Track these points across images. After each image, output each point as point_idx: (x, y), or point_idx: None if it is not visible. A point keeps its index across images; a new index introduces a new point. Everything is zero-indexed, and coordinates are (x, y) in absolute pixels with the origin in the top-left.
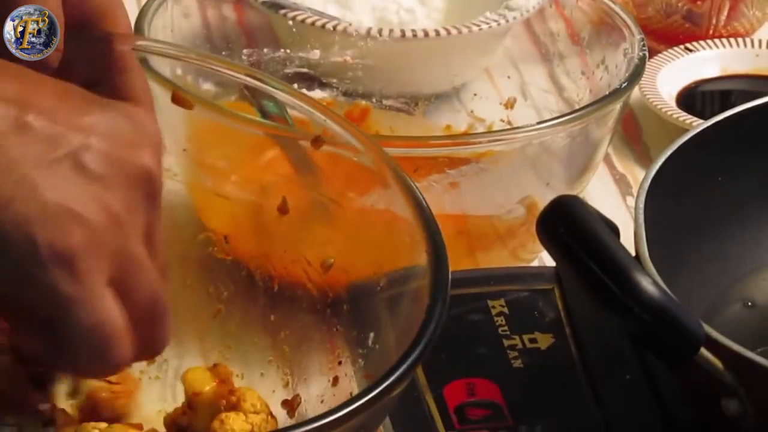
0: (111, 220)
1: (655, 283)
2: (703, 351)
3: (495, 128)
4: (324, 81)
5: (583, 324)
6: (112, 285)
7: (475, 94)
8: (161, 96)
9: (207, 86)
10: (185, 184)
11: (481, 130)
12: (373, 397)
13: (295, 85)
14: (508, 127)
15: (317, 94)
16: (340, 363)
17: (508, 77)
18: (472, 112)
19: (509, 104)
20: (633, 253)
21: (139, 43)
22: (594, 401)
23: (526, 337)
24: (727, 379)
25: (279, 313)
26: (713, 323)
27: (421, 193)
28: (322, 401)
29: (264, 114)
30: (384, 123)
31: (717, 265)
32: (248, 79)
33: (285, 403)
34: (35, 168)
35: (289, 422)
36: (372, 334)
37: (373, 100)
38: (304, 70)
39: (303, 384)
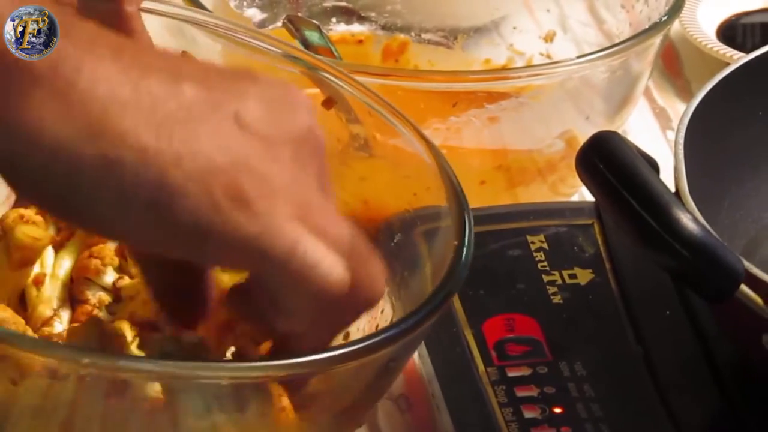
0: (280, 169)
1: (694, 219)
2: (743, 287)
3: (534, 62)
4: (363, 14)
5: (623, 259)
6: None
7: (514, 28)
8: (197, 33)
9: (251, 12)
10: None
11: (520, 63)
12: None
13: (334, 19)
14: (548, 61)
15: (356, 27)
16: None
17: (548, 10)
18: (511, 45)
19: (549, 38)
20: (672, 189)
21: (146, 3)
22: (634, 337)
23: (565, 273)
24: (767, 314)
25: None
26: (753, 259)
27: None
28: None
29: (306, 45)
30: (423, 57)
31: (757, 201)
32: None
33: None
34: (198, 129)
35: None
36: (410, 269)
37: (412, 33)
38: (343, 3)
39: None
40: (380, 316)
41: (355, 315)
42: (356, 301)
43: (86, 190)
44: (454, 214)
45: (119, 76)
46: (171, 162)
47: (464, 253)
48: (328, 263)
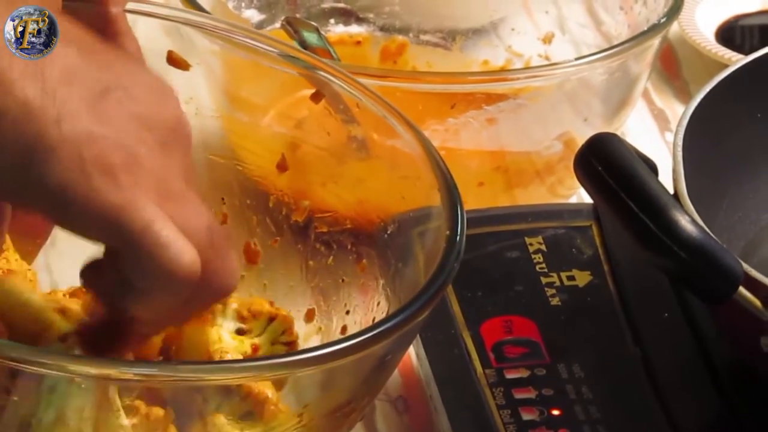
0: (148, 151)
1: (693, 221)
2: (742, 289)
3: (533, 63)
4: (361, 16)
5: (622, 261)
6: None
7: (512, 29)
8: (194, 34)
9: (249, 13)
10: (221, 119)
11: (518, 65)
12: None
13: (332, 21)
14: (546, 62)
15: (354, 29)
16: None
17: (546, 12)
18: (509, 47)
19: (547, 39)
20: (671, 191)
21: (131, 5)
22: (632, 339)
23: (563, 275)
24: (765, 316)
25: (315, 249)
26: (752, 261)
27: (428, 140)
28: None
29: (304, 46)
30: (421, 58)
31: (756, 203)
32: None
33: None
34: (85, 100)
35: None
36: (404, 263)
37: (410, 34)
38: (341, 4)
39: (336, 317)
40: (376, 308)
41: (204, 305)
42: (206, 291)
43: None
44: (445, 204)
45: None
46: (51, 121)
47: (456, 242)
48: (179, 246)
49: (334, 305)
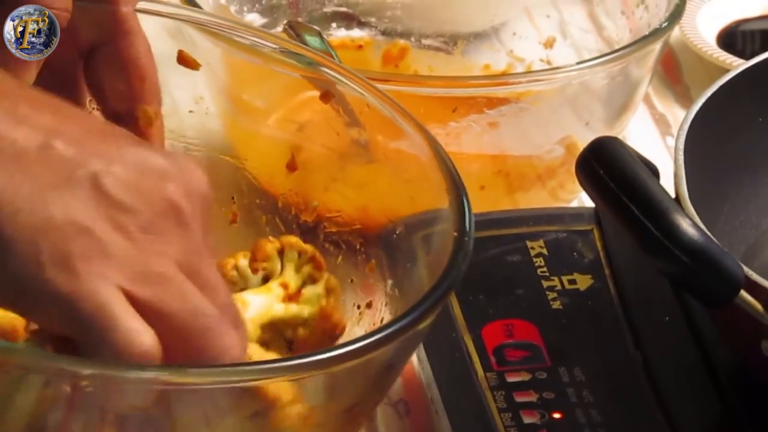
0: (122, 237)
1: (694, 224)
2: (743, 293)
3: (534, 68)
4: (363, 20)
5: (623, 265)
6: (137, 302)
7: (514, 33)
8: (198, 36)
9: (251, 17)
10: (223, 123)
11: (520, 69)
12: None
13: (334, 25)
14: (548, 66)
15: (356, 33)
16: (369, 305)
17: (548, 16)
18: (511, 51)
19: (548, 44)
20: (672, 195)
21: (141, 4)
22: (633, 343)
23: (565, 278)
24: (767, 320)
25: (324, 249)
26: (753, 265)
27: (436, 140)
28: None
29: None
30: (422, 62)
31: (757, 207)
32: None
33: None
34: (50, 186)
35: None
36: (408, 269)
37: (412, 39)
38: (343, 9)
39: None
40: (384, 309)
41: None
42: (197, 362)
43: None
44: (453, 206)
45: None
46: (9, 213)
47: (464, 244)
48: (132, 330)
49: (342, 305)
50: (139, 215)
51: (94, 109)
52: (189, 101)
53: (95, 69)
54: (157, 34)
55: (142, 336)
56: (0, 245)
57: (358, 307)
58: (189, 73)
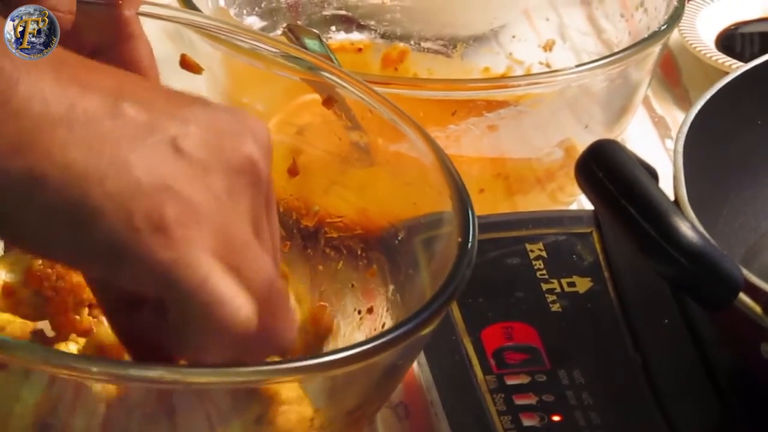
0: (210, 199)
1: (693, 227)
2: (742, 296)
3: (533, 71)
4: (362, 23)
5: (622, 268)
6: (221, 262)
7: (513, 36)
8: (198, 39)
9: (251, 20)
10: None
11: (519, 72)
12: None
13: (333, 28)
14: (547, 69)
15: (355, 36)
16: (370, 311)
17: (547, 19)
18: (510, 54)
19: (548, 46)
20: (671, 197)
21: (145, 7)
22: (632, 345)
23: (564, 281)
24: (766, 323)
25: (325, 254)
26: (752, 267)
27: (437, 143)
28: None
29: None
30: (422, 65)
31: (756, 209)
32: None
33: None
34: (130, 149)
35: None
36: (400, 282)
37: (411, 42)
38: (343, 12)
39: (344, 321)
40: (386, 314)
41: (258, 357)
42: (262, 345)
43: (11, 206)
44: (457, 210)
45: (56, 92)
46: (95, 181)
47: (468, 249)
48: (237, 304)
49: (343, 310)
50: (220, 175)
51: None
52: None
53: None
54: (157, 38)
55: (246, 309)
56: (91, 215)
57: (359, 312)
58: (190, 77)
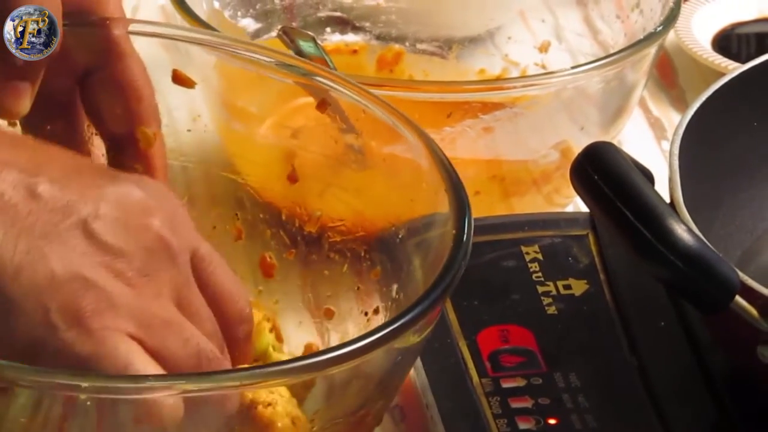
0: (124, 284)
1: (689, 230)
2: (738, 298)
3: (529, 72)
4: (357, 25)
5: (618, 270)
6: (147, 350)
7: (509, 38)
8: (192, 47)
9: (245, 22)
10: (220, 135)
11: (515, 74)
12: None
13: (328, 29)
14: (543, 71)
15: (350, 37)
16: (376, 311)
17: (543, 21)
18: (506, 55)
19: (544, 48)
20: (667, 200)
21: (134, 26)
22: (628, 348)
23: (560, 284)
24: (762, 326)
25: (329, 259)
26: (748, 270)
27: (434, 143)
28: None
29: (301, 55)
30: (417, 67)
31: (752, 212)
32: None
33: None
34: (44, 237)
35: None
36: (402, 280)
37: (407, 43)
38: (338, 13)
39: (338, 330)
40: (385, 319)
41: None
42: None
43: None
44: (452, 205)
45: None
46: (10, 275)
47: (463, 241)
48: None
49: (350, 313)
50: (133, 258)
51: (93, 134)
52: (186, 118)
53: (91, 94)
54: (151, 51)
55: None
56: (8, 308)
57: (366, 313)
58: (187, 90)
